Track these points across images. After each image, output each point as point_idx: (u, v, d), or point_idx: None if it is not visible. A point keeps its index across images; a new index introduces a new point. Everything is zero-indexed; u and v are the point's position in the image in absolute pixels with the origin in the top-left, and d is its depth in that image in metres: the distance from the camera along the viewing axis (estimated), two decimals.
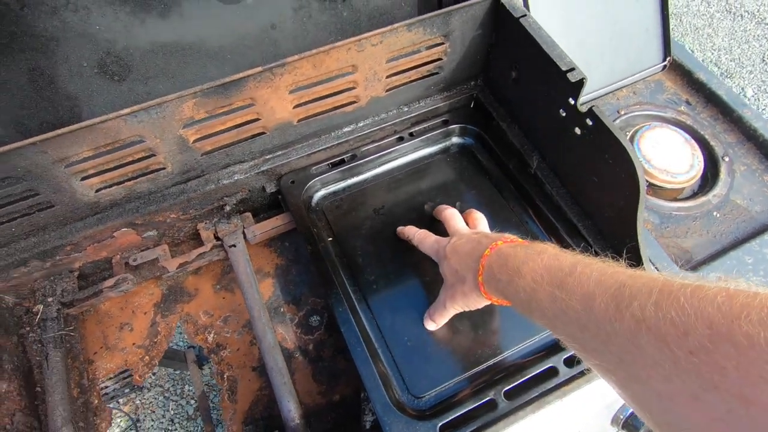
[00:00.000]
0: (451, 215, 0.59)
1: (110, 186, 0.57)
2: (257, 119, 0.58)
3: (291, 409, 0.56)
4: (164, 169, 0.58)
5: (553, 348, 0.54)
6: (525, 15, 0.55)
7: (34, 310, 0.64)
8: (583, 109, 0.52)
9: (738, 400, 0.22)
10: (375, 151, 0.69)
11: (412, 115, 0.70)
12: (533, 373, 0.51)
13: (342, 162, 0.69)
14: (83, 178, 0.54)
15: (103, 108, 0.64)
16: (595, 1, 0.69)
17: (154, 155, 0.55)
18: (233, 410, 0.66)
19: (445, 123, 0.71)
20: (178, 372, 0.98)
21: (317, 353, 0.69)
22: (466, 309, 0.52)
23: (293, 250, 0.78)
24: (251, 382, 0.68)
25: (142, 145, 0.53)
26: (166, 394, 0.82)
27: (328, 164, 0.68)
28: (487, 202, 0.66)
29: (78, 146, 0.49)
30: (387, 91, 0.64)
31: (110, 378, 0.67)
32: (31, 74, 0.57)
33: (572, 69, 0.51)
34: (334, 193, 0.69)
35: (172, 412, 0.75)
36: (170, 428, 0.74)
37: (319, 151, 0.67)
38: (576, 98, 0.52)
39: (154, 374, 0.75)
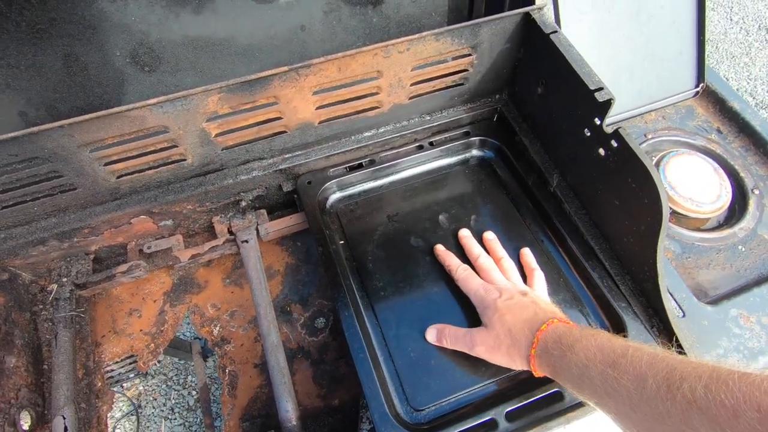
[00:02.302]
0: (491, 267, 0.58)
1: (132, 173, 0.58)
2: (279, 118, 0.58)
3: (288, 410, 0.55)
4: (185, 160, 0.59)
5: None
6: (556, 31, 0.54)
7: (48, 288, 0.66)
8: (609, 130, 0.51)
9: None
10: (393, 158, 0.69)
11: (434, 124, 0.69)
12: (537, 396, 0.50)
13: (360, 166, 0.69)
14: (106, 164, 0.55)
15: (131, 97, 0.66)
16: (628, 20, 0.68)
17: (176, 146, 0.56)
18: (232, 405, 0.66)
19: (467, 135, 0.71)
20: (182, 362, 0.98)
21: (320, 356, 0.69)
22: (494, 363, 0.52)
23: (304, 251, 0.78)
24: (252, 379, 0.68)
25: (165, 136, 0.54)
26: (169, 383, 0.82)
27: (345, 167, 0.69)
28: (504, 217, 0.65)
29: (104, 132, 0.50)
30: (410, 98, 0.64)
31: (116, 362, 0.68)
32: (67, 60, 0.59)
33: (600, 88, 0.50)
34: (350, 196, 0.69)
35: (173, 401, 0.75)
36: (170, 417, 0.74)
37: (337, 153, 0.67)
38: (602, 118, 0.51)
39: (159, 362, 0.76)
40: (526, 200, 0.67)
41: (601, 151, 0.54)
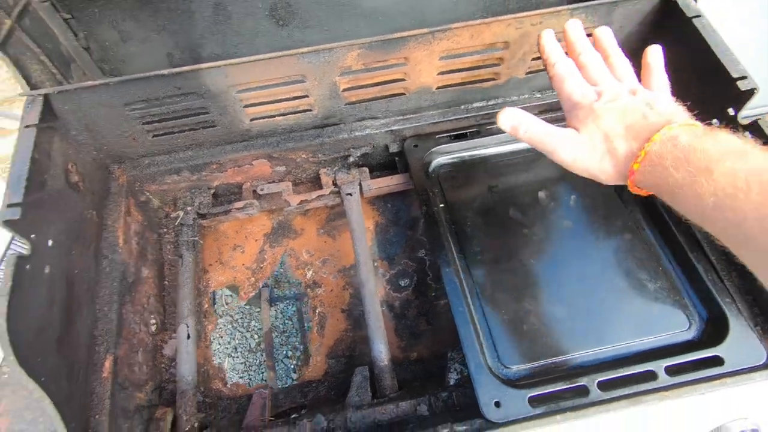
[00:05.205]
0: (595, 62, 0.47)
1: (263, 118, 0.63)
2: (402, 79, 0.61)
3: (382, 351, 0.60)
4: (311, 111, 0.63)
5: (654, 354, 0.53)
6: (699, 15, 0.53)
7: (172, 215, 0.73)
8: (745, 121, 0.50)
9: None
10: (498, 131, 0.70)
11: (544, 102, 0.70)
12: (630, 372, 0.51)
13: (464, 135, 0.71)
14: (245, 106, 0.60)
15: (262, 48, 0.71)
16: None
17: (307, 96, 0.61)
18: (320, 342, 0.72)
19: None
20: (247, 307, 1.06)
21: (402, 311, 0.73)
22: (577, 172, 0.45)
23: (394, 212, 0.82)
24: (339, 322, 0.73)
25: (301, 85, 0.58)
26: (234, 324, 0.90)
27: (450, 135, 0.71)
28: (604, 200, 0.66)
29: (254, 75, 0.55)
30: (527, 73, 0.65)
31: (220, 289, 0.76)
32: (216, 8, 0.65)
33: (744, 77, 0.49)
34: (452, 163, 0.71)
35: (236, 341, 0.83)
36: (233, 354, 0.82)
37: (446, 121, 0.69)
38: (738, 109, 0.50)
39: (227, 304, 0.84)
40: None
41: None
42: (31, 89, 0.52)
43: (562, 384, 0.51)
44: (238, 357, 0.77)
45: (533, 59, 0.63)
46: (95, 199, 0.59)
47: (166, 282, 0.71)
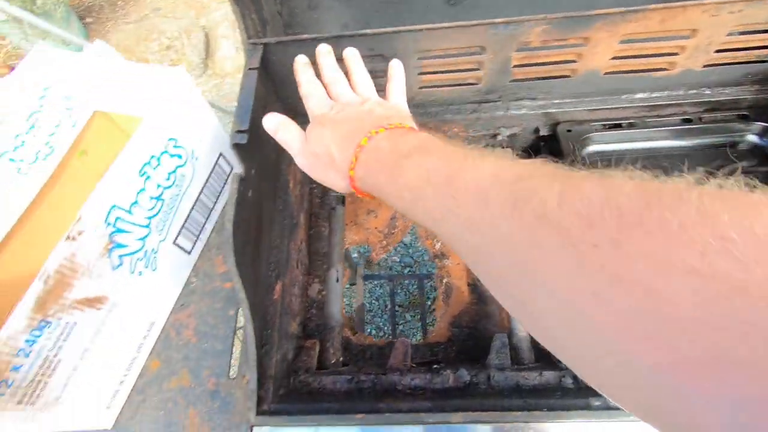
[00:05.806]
0: (336, 79, 0.52)
1: (429, 87, 0.67)
2: (574, 61, 0.62)
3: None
4: (476, 84, 0.66)
5: None
6: None
7: None
8: None
9: (644, 293, 0.19)
10: (656, 125, 0.69)
11: (711, 99, 0.67)
12: None
13: (618, 126, 0.70)
14: (420, 74, 0.64)
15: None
16: None
17: (478, 69, 0.64)
18: (444, 310, 0.75)
19: (744, 117, 0.68)
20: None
21: None
22: (317, 180, 0.49)
23: None
24: (464, 294, 0.75)
25: (476, 57, 0.61)
26: None
27: (603, 124, 0.70)
28: None
29: (441, 42, 0.59)
30: (704, 66, 0.63)
31: (354, 247, 0.81)
32: None
33: None
34: (602, 152, 0.71)
35: None
36: None
37: (603, 109, 0.69)
38: None
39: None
40: None
41: None
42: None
43: None
44: None
45: (717, 51, 0.61)
46: (276, 146, 0.66)
47: (311, 232, 0.78)
